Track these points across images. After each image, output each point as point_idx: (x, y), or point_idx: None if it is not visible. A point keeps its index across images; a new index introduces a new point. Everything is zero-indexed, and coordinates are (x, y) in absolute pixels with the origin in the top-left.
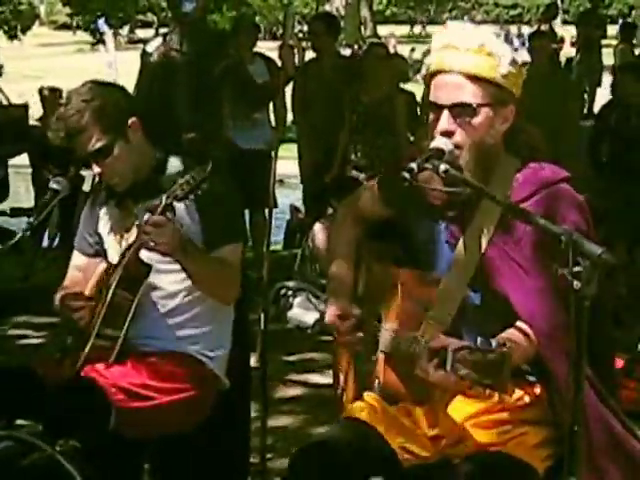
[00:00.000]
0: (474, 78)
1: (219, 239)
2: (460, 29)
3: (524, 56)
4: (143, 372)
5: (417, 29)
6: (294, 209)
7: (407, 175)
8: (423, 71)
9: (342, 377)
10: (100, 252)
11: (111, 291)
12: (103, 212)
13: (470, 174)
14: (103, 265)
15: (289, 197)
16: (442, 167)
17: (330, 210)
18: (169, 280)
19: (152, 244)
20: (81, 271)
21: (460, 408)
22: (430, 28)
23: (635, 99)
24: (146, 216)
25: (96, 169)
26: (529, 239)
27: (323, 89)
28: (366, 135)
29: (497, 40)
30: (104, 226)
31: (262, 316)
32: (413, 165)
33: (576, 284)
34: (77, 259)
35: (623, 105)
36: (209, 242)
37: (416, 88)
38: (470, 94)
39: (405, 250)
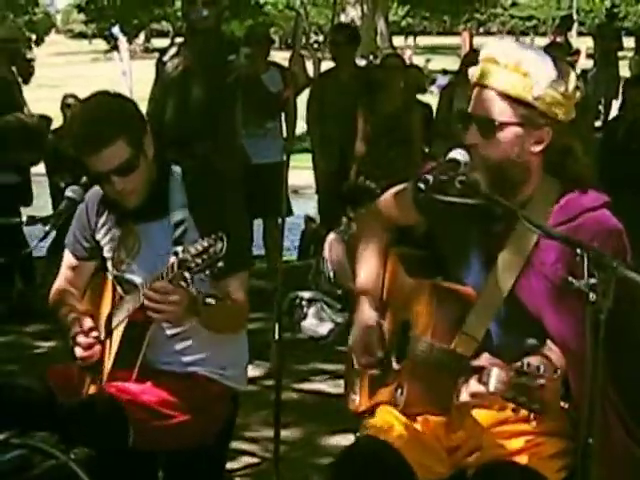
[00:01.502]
0: (505, 96)
1: (224, 270)
2: (503, 44)
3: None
4: (161, 390)
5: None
6: (308, 219)
7: (422, 186)
8: (439, 82)
9: (356, 388)
10: (95, 257)
11: (120, 333)
12: (102, 222)
13: (488, 189)
14: (100, 275)
15: (304, 207)
16: (458, 178)
17: (345, 220)
18: None
19: (156, 315)
20: (74, 271)
21: (478, 418)
22: (420, 39)
23: None
24: (156, 283)
25: (119, 186)
26: (566, 260)
27: (340, 99)
28: (380, 146)
29: (538, 60)
30: (103, 237)
31: (276, 326)
32: (429, 176)
33: (592, 296)
34: (70, 260)
35: (631, 118)
36: (214, 274)
37: (431, 99)
38: (497, 111)
39: (436, 258)
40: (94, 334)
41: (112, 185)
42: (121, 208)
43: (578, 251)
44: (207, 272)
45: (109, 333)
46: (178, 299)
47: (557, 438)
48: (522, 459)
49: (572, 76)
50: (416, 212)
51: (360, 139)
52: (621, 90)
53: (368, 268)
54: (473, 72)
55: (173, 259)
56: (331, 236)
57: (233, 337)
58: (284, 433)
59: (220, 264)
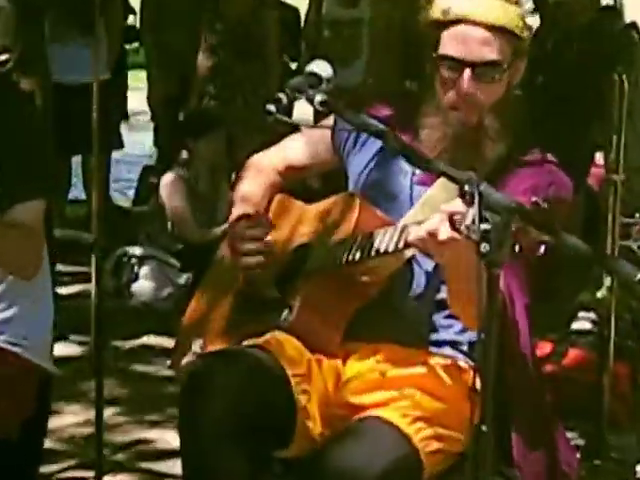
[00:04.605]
0: (502, 30)
1: (10, 196)
2: None
3: None
4: None
5: None
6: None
7: (272, 108)
8: None
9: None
10: None
11: None
12: None
13: (495, 135)
14: None
15: (139, 138)
16: (318, 98)
17: (185, 154)
18: None
19: None
20: None
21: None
22: None
23: (580, 18)
24: None
25: None
26: None
27: (180, 2)
28: (227, 60)
29: None
30: None
31: (95, 290)
32: (281, 95)
33: (484, 246)
34: None
35: (563, 27)
36: None
37: (300, 2)
38: (499, 51)
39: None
40: None
41: None
42: None
43: (466, 188)
44: None
45: None
46: None
47: (434, 400)
48: (382, 411)
49: None
50: (334, 154)
51: (203, 52)
52: None
53: (252, 185)
54: (452, 5)
55: None
56: (169, 176)
57: (32, 295)
58: (108, 428)
59: None
